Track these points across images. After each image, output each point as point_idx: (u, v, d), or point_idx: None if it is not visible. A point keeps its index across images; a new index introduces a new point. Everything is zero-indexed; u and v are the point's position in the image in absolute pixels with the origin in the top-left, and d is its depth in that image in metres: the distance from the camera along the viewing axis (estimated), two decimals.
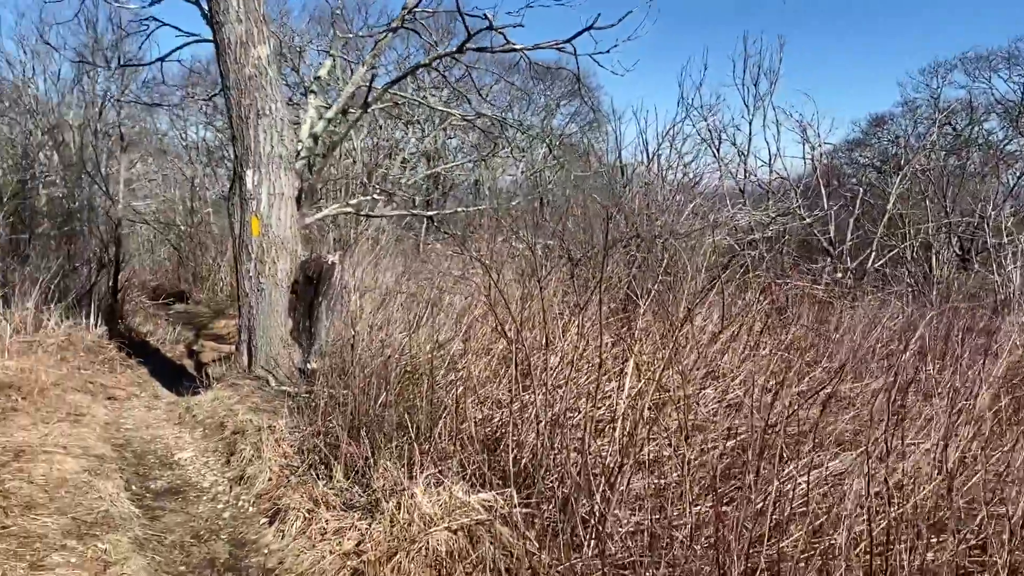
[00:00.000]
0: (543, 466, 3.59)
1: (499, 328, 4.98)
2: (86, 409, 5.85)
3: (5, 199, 11.56)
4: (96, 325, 9.21)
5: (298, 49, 14.36)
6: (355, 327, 7.42)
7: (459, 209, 7.52)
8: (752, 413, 3.07)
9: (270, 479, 4.52)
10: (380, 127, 25.75)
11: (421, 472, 3.73)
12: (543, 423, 3.78)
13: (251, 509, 4.27)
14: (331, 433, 4.89)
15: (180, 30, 7.75)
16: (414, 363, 5.53)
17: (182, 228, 17.53)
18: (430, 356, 5.24)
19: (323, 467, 4.48)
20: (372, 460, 4.18)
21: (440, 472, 3.76)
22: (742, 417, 3.74)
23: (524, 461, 3.81)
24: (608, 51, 7.34)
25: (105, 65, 10.07)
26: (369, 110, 6.90)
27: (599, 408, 4.10)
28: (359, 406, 5.03)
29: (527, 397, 4.03)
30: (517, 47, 7.05)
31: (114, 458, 4.80)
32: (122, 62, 12.39)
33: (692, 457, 3.26)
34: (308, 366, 6.66)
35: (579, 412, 3.95)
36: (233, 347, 8.07)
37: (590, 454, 3.48)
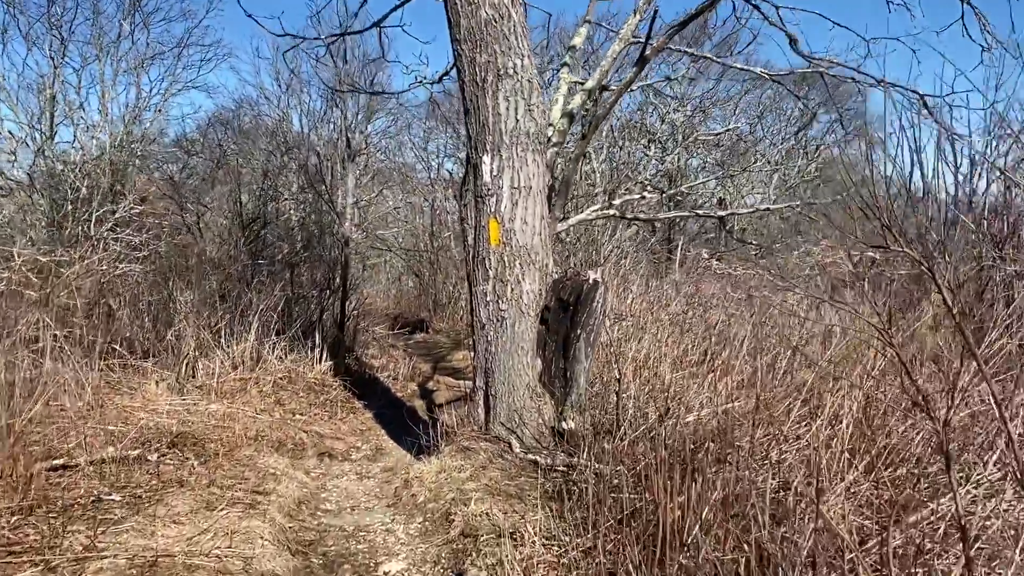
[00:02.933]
0: None
1: (916, 396, 2.76)
2: (277, 481, 4.36)
3: (246, 224, 11.03)
4: (321, 359, 8.05)
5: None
6: (617, 366, 5.48)
7: (761, 207, 5.35)
8: None
9: None
10: (620, 147, 24.06)
11: None
12: None
13: None
14: (614, 558, 2.95)
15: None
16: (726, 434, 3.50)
17: (423, 253, 16.76)
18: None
19: None
20: None
21: None
22: None
23: None
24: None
25: (352, 89, 9.08)
26: (647, 68, 4.98)
27: None
28: (643, 514, 3.07)
29: None
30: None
31: None
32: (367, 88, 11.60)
33: None
34: (563, 425, 4.80)
35: None
36: (470, 381, 6.48)
37: None
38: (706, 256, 8.47)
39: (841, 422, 3.64)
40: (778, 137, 39.07)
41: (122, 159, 13.69)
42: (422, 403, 7.98)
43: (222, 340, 7.88)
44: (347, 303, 8.83)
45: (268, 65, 17.85)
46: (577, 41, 6.28)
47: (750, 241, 6.16)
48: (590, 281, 4.82)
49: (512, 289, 4.66)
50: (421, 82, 6.34)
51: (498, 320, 4.71)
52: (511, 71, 4.44)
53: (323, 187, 8.91)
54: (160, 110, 17.93)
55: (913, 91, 5.16)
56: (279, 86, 16.47)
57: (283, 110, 16.69)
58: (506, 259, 4.63)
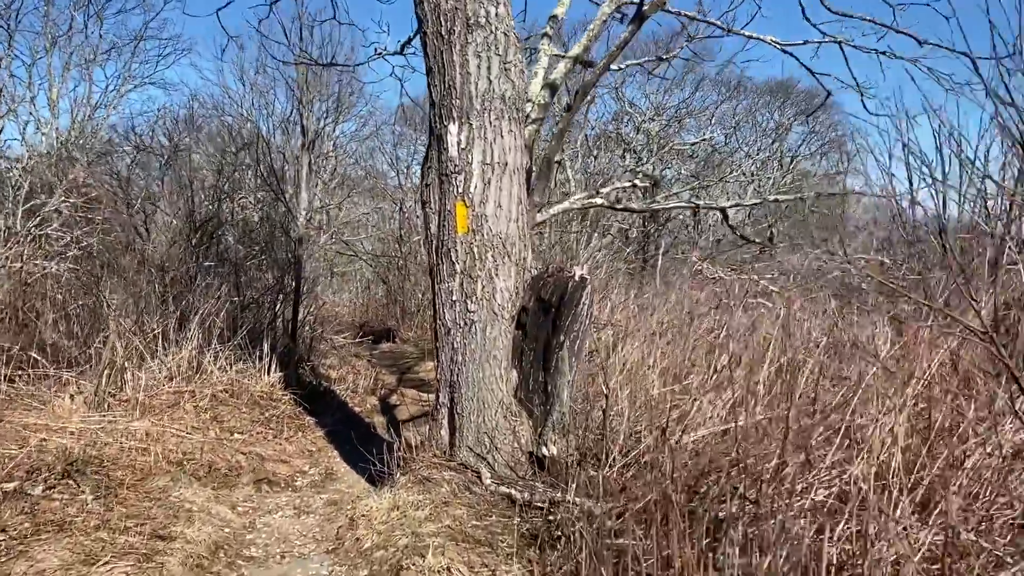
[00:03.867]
0: None
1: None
2: (190, 520, 3.52)
3: (199, 224, 10.13)
4: (269, 370, 7.19)
5: None
6: (605, 380, 4.71)
7: (762, 199, 4.63)
8: None
9: None
10: (595, 156, 23.51)
11: None
12: None
13: None
14: None
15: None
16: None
17: (392, 259, 15.92)
18: None
19: None
20: None
21: None
22: None
23: None
24: None
25: (302, 61, 8.24)
26: (643, 26, 4.22)
27: None
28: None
29: None
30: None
31: None
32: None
33: None
34: (543, 450, 4.01)
35: None
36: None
37: None
38: (696, 259, 7.75)
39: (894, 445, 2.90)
40: (754, 148, 38.78)
41: (70, 157, 12.76)
42: (383, 419, 7.15)
43: (158, 348, 7.01)
44: (300, 308, 7.97)
45: (232, 62, 16.93)
46: (559, 11, 5.53)
47: (754, 239, 5.48)
48: (576, 278, 4.05)
49: (483, 287, 3.87)
50: (381, 54, 5.56)
51: (466, 324, 3.92)
52: (483, 20, 3.67)
53: (274, 180, 8.06)
54: (115, 107, 16.99)
55: (964, 54, 4.45)
56: (243, 84, 15.63)
57: (247, 110, 15.84)
58: (476, 250, 3.84)
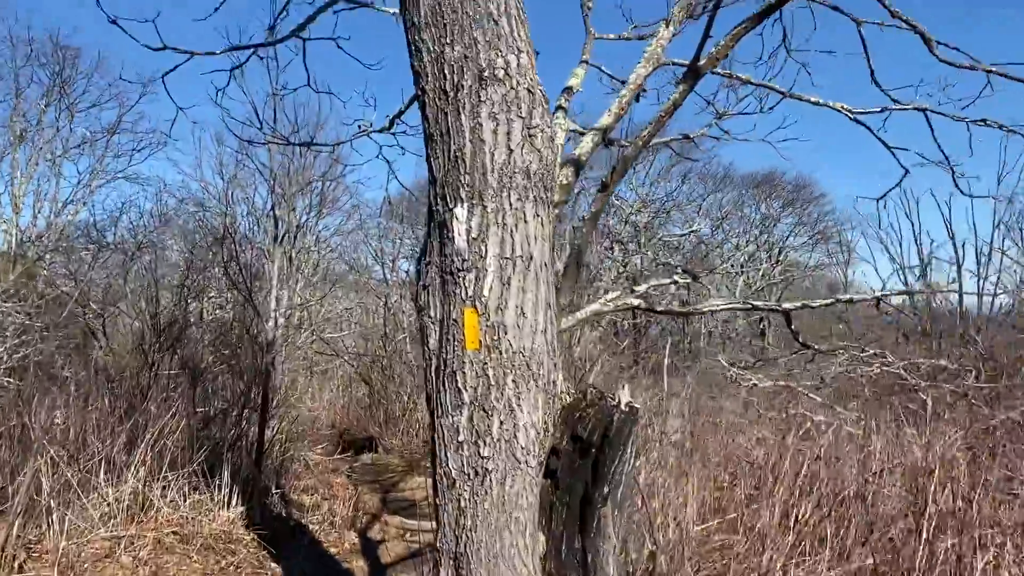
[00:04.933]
0: None
1: None
2: None
3: (162, 328, 9.07)
4: (229, 503, 6.04)
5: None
6: (653, 534, 3.67)
7: (825, 300, 3.72)
8: None
9: None
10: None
11: None
12: None
13: None
14: None
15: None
16: None
17: (376, 358, 14.83)
18: None
19: None
20: None
21: None
22: None
23: None
24: None
25: (274, 141, 7.42)
26: (693, 90, 3.38)
27: None
28: None
29: None
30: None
31: None
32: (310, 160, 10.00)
33: None
34: None
35: None
36: (431, 522, 4.58)
37: None
38: (725, 363, 6.79)
39: None
40: (742, 239, 38.37)
41: (24, 256, 11.80)
42: (364, 564, 5.96)
43: (100, 479, 5.89)
44: (268, 426, 6.87)
45: (211, 157, 16.24)
46: (574, 82, 4.73)
47: (813, 344, 4.54)
48: (622, 407, 3.05)
49: (501, 423, 2.86)
50: (365, 131, 4.70)
51: (477, 474, 2.88)
52: (501, 72, 2.79)
53: (239, 275, 7.09)
54: (84, 203, 16.16)
55: None
56: (222, 179, 14.88)
57: (227, 205, 15.03)
58: (492, 373, 2.85)
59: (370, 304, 20.84)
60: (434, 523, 3.09)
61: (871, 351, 6.21)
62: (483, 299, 2.85)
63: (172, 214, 13.68)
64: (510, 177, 2.81)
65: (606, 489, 3.04)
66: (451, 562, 2.99)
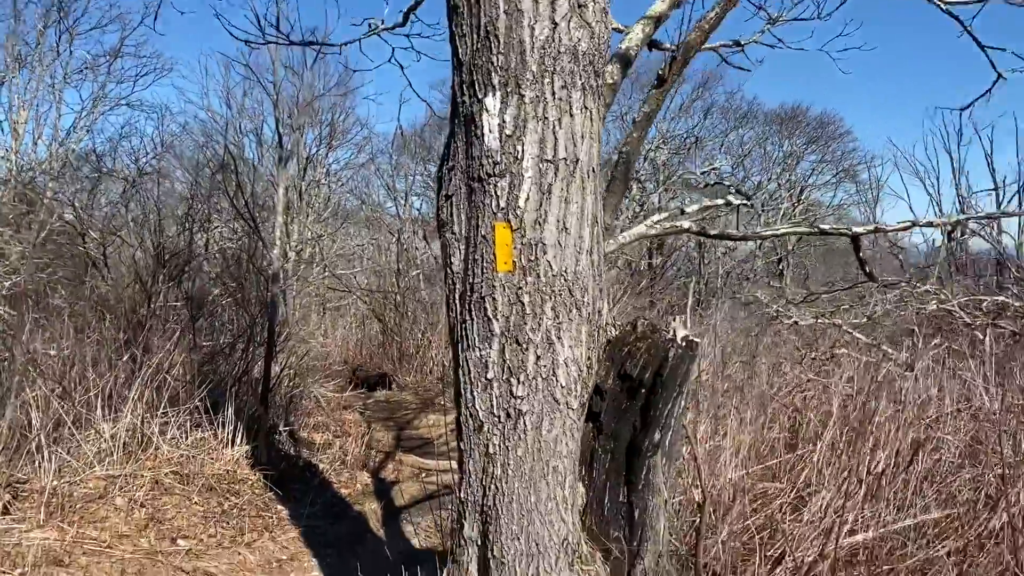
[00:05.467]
0: None
1: None
2: None
3: (166, 259, 8.64)
4: (233, 442, 5.69)
5: None
6: (701, 491, 3.25)
7: (899, 225, 3.20)
8: None
9: None
10: None
11: None
12: None
13: None
14: None
15: None
16: None
17: (388, 294, 14.44)
18: None
19: None
20: None
21: None
22: None
23: None
24: None
25: (277, 40, 6.85)
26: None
27: None
28: None
29: None
30: None
31: None
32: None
33: None
34: None
35: None
36: (448, 462, 4.24)
37: None
38: (764, 299, 6.32)
39: None
40: (764, 176, 37.48)
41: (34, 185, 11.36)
42: (376, 507, 5.62)
43: (96, 414, 5.53)
44: (275, 362, 6.49)
45: (217, 86, 15.62)
46: None
47: (880, 276, 4.04)
48: (679, 343, 2.59)
49: (538, 358, 2.41)
50: (376, 31, 4.15)
51: (509, 417, 2.45)
52: None
53: (243, 203, 6.62)
54: (88, 130, 15.62)
55: None
56: (229, 108, 14.33)
57: (234, 136, 14.47)
58: (527, 299, 2.39)
59: (382, 241, 20.38)
60: (457, 469, 2.68)
61: (924, 287, 5.72)
62: (518, 211, 2.37)
63: (175, 141, 13.13)
64: (553, 58, 2.30)
65: (657, 436, 2.61)
66: (477, 515, 2.58)
